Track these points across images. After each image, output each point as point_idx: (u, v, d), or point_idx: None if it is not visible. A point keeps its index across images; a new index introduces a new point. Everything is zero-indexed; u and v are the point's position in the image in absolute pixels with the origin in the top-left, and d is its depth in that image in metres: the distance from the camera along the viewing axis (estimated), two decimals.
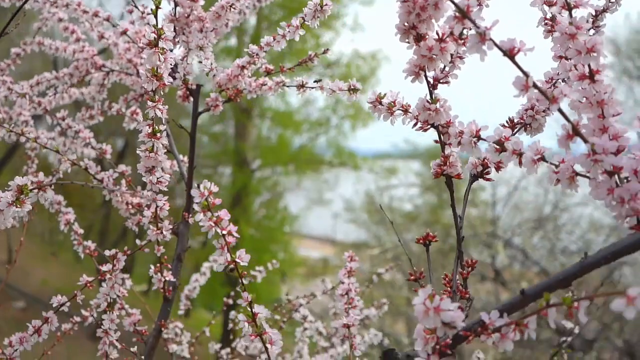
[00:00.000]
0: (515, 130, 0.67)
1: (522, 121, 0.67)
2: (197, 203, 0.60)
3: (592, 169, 0.50)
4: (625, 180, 0.52)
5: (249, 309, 0.63)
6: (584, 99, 0.53)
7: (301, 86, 0.95)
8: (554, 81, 0.67)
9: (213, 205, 0.61)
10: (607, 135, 0.51)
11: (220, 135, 11.68)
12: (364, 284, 1.74)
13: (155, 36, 0.68)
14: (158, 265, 0.94)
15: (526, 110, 0.66)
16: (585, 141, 0.50)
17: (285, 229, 11.31)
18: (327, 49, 0.98)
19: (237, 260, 0.62)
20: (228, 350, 1.29)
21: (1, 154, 7.76)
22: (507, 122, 0.67)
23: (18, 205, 0.65)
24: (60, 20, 1.16)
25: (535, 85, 0.49)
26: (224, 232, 0.61)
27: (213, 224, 0.60)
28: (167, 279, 0.95)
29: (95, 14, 1.07)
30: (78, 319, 1.10)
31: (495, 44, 0.49)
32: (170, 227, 0.88)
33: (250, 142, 11.49)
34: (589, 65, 0.52)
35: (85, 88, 1.34)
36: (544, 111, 0.65)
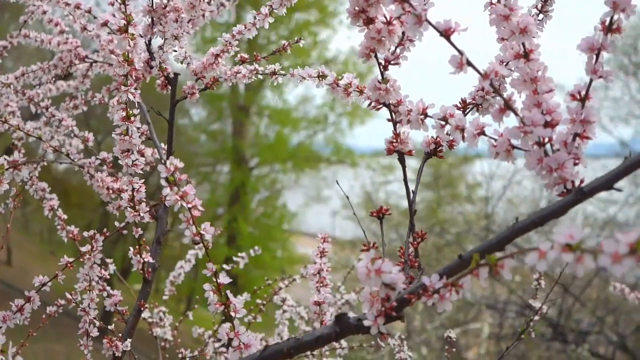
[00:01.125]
0: (468, 110, 0.71)
1: (473, 101, 0.70)
2: (163, 178, 0.63)
3: (522, 140, 0.54)
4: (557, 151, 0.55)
5: (214, 280, 0.67)
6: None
7: (273, 73, 0.99)
8: (504, 63, 0.71)
9: (179, 181, 0.65)
10: (537, 110, 0.54)
11: (218, 133, 11.73)
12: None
13: (125, 22, 0.72)
14: (137, 247, 0.97)
15: (477, 91, 0.70)
16: (517, 114, 0.54)
17: (284, 226, 11.36)
18: (300, 38, 1.02)
19: (202, 232, 0.65)
20: (210, 333, 1.33)
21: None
22: (459, 102, 0.71)
23: None
24: (44, 12, 1.20)
25: (469, 63, 0.53)
26: (190, 205, 0.64)
27: (179, 198, 0.64)
28: (146, 260, 0.98)
29: (77, 7, 1.10)
30: (62, 301, 1.13)
31: (432, 25, 0.53)
32: (147, 209, 0.92)
33: (248, 140, 11.54)
34: (523, 45, 0.56)
35: (73, 81, 1.38)
36: (494, 92, 0.69)
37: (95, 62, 1.21)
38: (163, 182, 0.64)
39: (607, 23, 0.54)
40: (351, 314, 1.42)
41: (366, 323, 0.57)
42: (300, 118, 12.15)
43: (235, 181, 10.83)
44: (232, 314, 0.67)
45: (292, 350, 0.60)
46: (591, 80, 0.54)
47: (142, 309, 1.01)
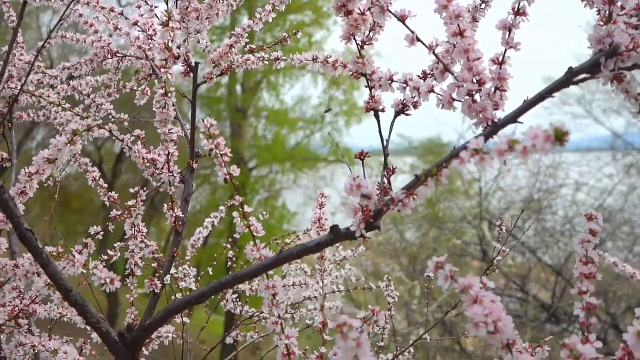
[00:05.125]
0: (428, 79, 0.93)
1: (431, 72, 0.93)
2: (202, 132, 0.86)
3: (457, 92, 0.76)
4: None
5: (241, 210, 0.89)
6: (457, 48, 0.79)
7: (277, 59, 1.21)
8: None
9: (214, 134, 0.87)
10: (468, 72, 0.77)
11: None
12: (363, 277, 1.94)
13: (167, 18, 0.94)
14: (170, 203, 1.20)
15: (433, 64, 0.92)
16: (452, 74, 0.76)
17: (284, 226, 11.55)
18: (298, 31, 1.25)
19: (231, 172, 0.88)
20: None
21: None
22: (421, 73, 0.93)
23: (72, 144, 0.91)
24: (80, 15, 1.42)
25: (418, 39, 0.76)
26: (222, 152, 0.87)
27: (214, 147, 0.87)
28: (177, 214, 1.21)
29: (111, 10, 1.33)
30: (105, 257, 1.35)
31: (392, 13, 0.75)
32: (179, 170, 1.14)
33: (246, 141, 11.76)
34: (458, 26, 0.78)
35: (100, 76, 1.61)
36: (437, 59, 0.91)
37: (125, 56, 1.43)
38: (202, 136, 0.87)
39: (515, 8, 0.77)
40: (348, 266, 1.63)
41: (352, 228, 0.79)
42: (297, 118, 12.39)
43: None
44: (255, 233, 0.89)
45: (300, 252, 0.82)
46: (505, 50, 0.77)
47: (175, 255, 1.23)
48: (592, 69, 0.68)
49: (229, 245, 1.73)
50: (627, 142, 8.86)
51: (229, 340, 1.68)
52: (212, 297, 1.81)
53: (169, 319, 0.86)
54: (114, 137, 1.24)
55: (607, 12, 0.68)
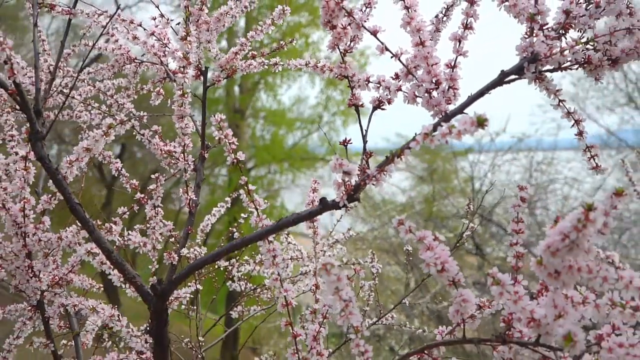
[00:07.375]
0: (400, 80, 1.13)
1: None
2: (213, 125, 1.06)
3: (418, 90, 0.97)
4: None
5: (246, 187, 1.10)
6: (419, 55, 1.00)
7: (275, 64, 1.41)
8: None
9: (223, 127, 1.07)
10: (428, 74, 0.97)
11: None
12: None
13: (185, 33, 1.14)
14: (185, 188, 1.40)
15: (403, 67, 1.12)
16: (413, 76, 0.97)
17: None
18: (293, 39, 1.45)
19: (237, 157, 1.08)
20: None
21: None
22: (394, 74, 1.13)
23: (106, 136, 1.11)
24: (103, 27, 1.62)
25: (386, 48, 0.96)
26: (230, 141, 1.07)
27: (223, 137, 1.07)
28: (191, 197, 1.41)
29: (131, 22, 1.52)
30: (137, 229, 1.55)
31: (365, 29, 0.96)
32: (193, 159, 1.35)
33: (244, 141, 11.96)
34: (419, 37, 0.99)
35: (116, 80, 1.81)
36: (415, 67, 1.12)
37: (142, 62, 1.63)
38: (213, 128, 1.07)
39: (465, 23, 0.97)
40: (339, 246, 1.83)
41: (336, 199, 0.99)
42: (295, 119, 12.59)
43: (234, 183, 11.23)
44: (258, 207, 1.10)
45: (295, 220, 1.03)
46: (456, 57, 0.97)
47: (189, 232, 1.43)
48: (518, 71, 0.88)
49: (234, 230, 1.93)
50: (620, 139, 9.09)
51: (234, 315, 1.88)
52: (221, 274, 2.00)
53: (192, 274, 1.05)
54: (135, 132, 1.44)
55: (530, 27, 0.89)
